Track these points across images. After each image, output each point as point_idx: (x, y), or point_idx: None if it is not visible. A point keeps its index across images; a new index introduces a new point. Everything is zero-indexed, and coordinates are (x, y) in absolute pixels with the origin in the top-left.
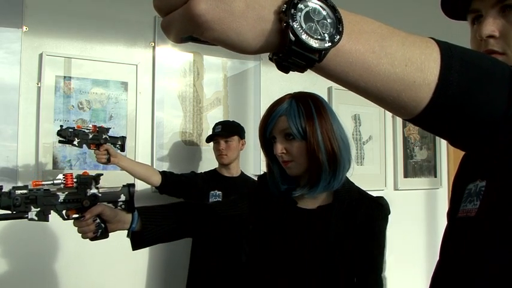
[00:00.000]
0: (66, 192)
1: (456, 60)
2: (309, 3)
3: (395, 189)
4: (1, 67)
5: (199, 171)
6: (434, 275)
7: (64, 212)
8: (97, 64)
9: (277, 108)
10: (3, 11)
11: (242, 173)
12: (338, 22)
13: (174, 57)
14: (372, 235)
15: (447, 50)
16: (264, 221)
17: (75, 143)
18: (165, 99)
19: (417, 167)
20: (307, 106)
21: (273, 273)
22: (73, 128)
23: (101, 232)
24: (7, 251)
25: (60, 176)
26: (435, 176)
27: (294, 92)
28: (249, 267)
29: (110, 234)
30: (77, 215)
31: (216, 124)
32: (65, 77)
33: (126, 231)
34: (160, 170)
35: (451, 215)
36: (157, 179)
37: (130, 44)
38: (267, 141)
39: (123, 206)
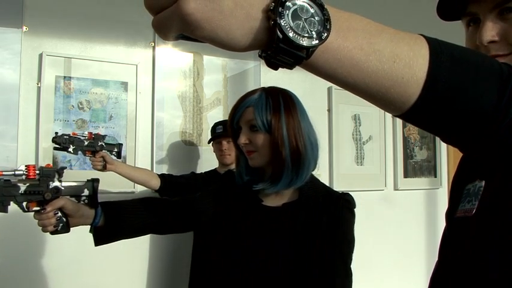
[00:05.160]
0: (28, 184)
1: (445, 56)
2: (297, 2)
3: (395, 189)
4: (1, 67)
5: (199, 172)
6: (433, 275)
7: (24, 204)
8: (97, 64)
9: (247, 99)
10: (3, 11)
11: None
12: (326, 20)
13: (174, 57)
14: (338, 226)
15: (436, 47)
16: (228, 218)
17: (71, 150)
18: (165, 99)
19: (417, 167)
20: (276, 100)
21: (238, 271)
22: (68, 134)
23: (61, 226)
24: (4, 251)
25: (22, 167)
26: (435, 176)
27: (268, 86)
28: (214, 265)
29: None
30: (37, 208)
31: (217, 124)
32: (65, 77)
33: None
34: (160, 173)
35: (450, 215)
36: (157, 183)
37: (130, 44)
38: (234, 131)
39: (86, 200)
